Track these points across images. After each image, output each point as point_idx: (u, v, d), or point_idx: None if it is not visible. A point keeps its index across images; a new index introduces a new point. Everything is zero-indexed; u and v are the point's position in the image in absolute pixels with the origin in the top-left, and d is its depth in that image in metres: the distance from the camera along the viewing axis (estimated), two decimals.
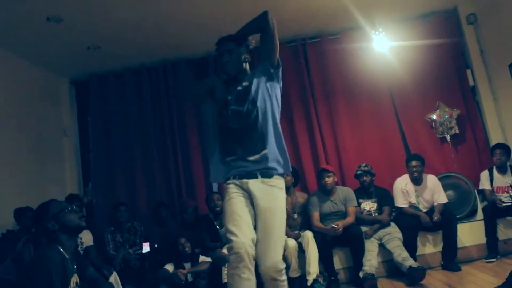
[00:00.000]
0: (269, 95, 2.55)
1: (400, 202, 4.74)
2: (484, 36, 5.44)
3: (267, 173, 2.47)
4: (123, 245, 4.72)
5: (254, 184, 2.46)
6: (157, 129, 5.71)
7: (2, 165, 4.47)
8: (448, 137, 5.33)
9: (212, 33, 5.07)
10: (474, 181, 4.98)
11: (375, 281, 4.11)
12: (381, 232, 4.56)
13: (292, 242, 4.36)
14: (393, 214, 4.80)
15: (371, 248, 4.40)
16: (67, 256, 2.23)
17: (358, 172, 4.86)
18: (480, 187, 4.89)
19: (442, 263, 4.50)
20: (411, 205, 4.74)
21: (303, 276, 4.33)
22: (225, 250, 4.21)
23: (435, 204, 4.67)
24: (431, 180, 4.78)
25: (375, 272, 4.20)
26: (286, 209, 4.61)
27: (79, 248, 4.34)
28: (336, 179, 4.81)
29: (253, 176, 2.46)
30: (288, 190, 4.67)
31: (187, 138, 5.63)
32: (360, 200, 4.80)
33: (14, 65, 4.93)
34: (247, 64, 2.69)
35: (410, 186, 4.77)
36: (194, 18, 4.75)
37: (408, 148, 5.46)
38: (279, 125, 2.56)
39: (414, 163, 4.74)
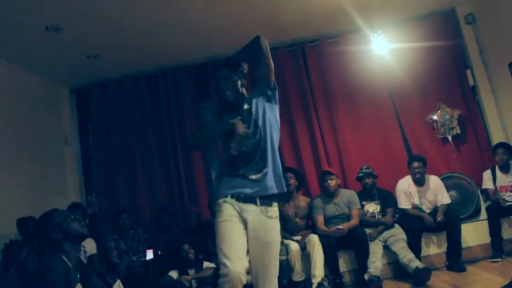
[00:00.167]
0: (268, 117, 2.57)
1: (403, 203, 4.73)
2: (483, 35, 5.44)
3: (267, 202, 2.45)
4: (126, 252, 4.71)
5: (253, 215, 2.41)
6: (157, 136, 5.71)
7: (4, 175, 4.47)
8: (449, 138, 5.33)
9: (210, 40, 5.18)
10: (477, 181, 4.97)
11: (380, 283, 4.10)
12: (386, 234, 4.55)
13: (295, 246, 4.35)
14: (397, 215, 4.79)
15: (376, 250, 4.39)
16: (70, 265, 2.22)
17: (360, 175, 4.85)
18: (483, 187, 4.88)
19: (447, 263, 4.49)
20: (414, 206, 4.73)
21: (307, 280, 4.32)
22: None
23: (438, 204, 4.66)
24: (434, 181, 4.77)
25: (380, 274, 4.18)
26: (288, 214, 4.63)
27: (82, 257, 4.33)
28: (339, 182, 4.81)
29: (252, 201, 2.42)
30: (291, 194, 4.67)
31: None
32: (363, 203, 4.79)
33: (14, 75, 4.93)
34: (244, 88, 2.69)
35: (413, 188, 4.76)
36: (193, 25, 4.76)
37: (410, 149, 5.45)
38: (276, 146, 2.58)
39: (416, 164, 4.73)
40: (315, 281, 4.17)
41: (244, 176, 2.44)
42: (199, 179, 5.54)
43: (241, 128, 2.40)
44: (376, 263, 4.27)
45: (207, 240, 4.74)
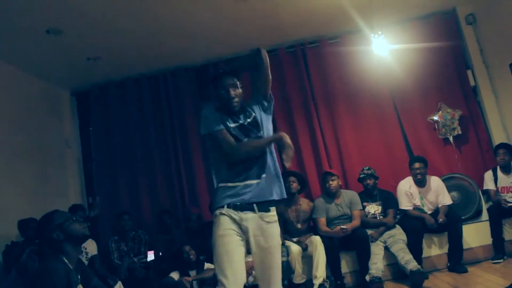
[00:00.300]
0: (266, 125, 2.58)
1: (405, 204, 4.72)
2: (483, 36, 5.44)
3: (264, 208, 2.42)
4: (127, 254, 4.71)
5: (252, 222, 2.38)
6: (158, 137, 5.71)
7: (6, 177, 4.48)
8: (451, 138, 5.32)
9: (211, 42, 5.19)
10: (478, 182, 4.96)
11: (381, 284, 4.10)
12: (386, 235, 4.55)
13: (295, 248, 4.35)
14: (398, 216, 4.78)
15: (377, 251, 4.39)
16: (71, 267, 2.23)
17: (362, 176, 4.85)
18: (485, 188, 4.87)
19: (448, 264, 4.48)
20: (416, 207, 4.72)
21: (308, 281, 4.32)
22: None
23: (440, 205, 4.65)
24: (435, 182, 4.76)
25: (381, 275, 4.18)
26: (289, 217, 4.63)
27: (83, 258, 4.34)
28: (340, 183, 4.81)
29: (250, 208, 2.38)
30: (293, 196, 4.67)
31: (189, 145, 5.62)
32: (365, 203, 4.79)
33: (14, 77, 4.94)
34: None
35: (414, 188, 4.75)
36: (193, 27, 4.77)
37: (411, 150, 5.44)
38: (274, 153, 2.58)
39: (417, 165, 4.72)
40: (317, 282, 4.17)
41: (243, 183, 2.41)
42: (200, 180, 5.55)
43: (289, 139, 2.40)
44: (378, 264, 4.27)
45: (208, 242, 4.72)
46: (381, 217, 4.74)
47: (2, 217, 4.29)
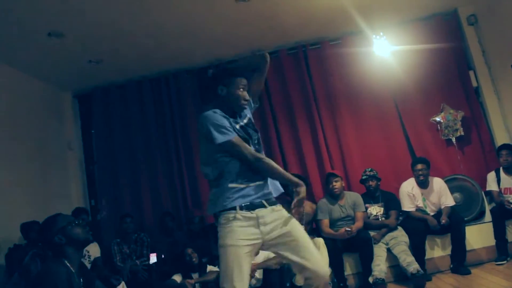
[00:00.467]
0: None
1: (407, 206, 4.72)
2: (485, 36, 5.43)
3: (272, 201, 2.43)
4: (130, 256, 4.71)
5: (267, 216, 2.36)
6: (160, 140, 5.71)
7: (8, 179, 4.48)
8: (453, 139, 5.30)
9: (212, 44, 5.19)
10: (481, 183, 4.94)
11: (385, 286, 4.09)
12: (388, 236, 4.55)
13: None
14: (400, 218, 4.77)
15: (380, 253, 4.38)
16: (73, 270, 2.22)
17: (364, 177, 4.84)
18: (487, 189, 4.85)
19: (452, 266, 4.47)
20: (418, 209, 4.71)
21: None
22: None
23: (442, 207, 4.64)
24: (438, 183, 4.75)
25: (384, 277, 4.17)
26: None
27: (86, 262, 4.34)
28: (343, 184, 4.80)
29: (260, 205, 2.37)
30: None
31: (191, 147, 5.62)
32: (367, 205, 4.78)
33: (17, 80, 4.95)
34: None
35: (417, 190, 4.74)
36: (194, 29, 4.77)
37: (413, 151, 5.43)
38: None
39: (419, 166, 4.71)
40: None
41: (254, 184, 2.39)
42: (203, 182, 5.53)
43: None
44: (381, 266, 4.26)
45: (210, 244, 4.73)
46: (383, 218, 4.73)
47: (4, 220, 4.29)
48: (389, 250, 4.48)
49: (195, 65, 5.73)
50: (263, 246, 2.39)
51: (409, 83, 5.44)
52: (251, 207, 2.33)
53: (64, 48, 4.61)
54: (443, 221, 4.43)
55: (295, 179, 2.44)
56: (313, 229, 4.78)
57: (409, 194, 4.73)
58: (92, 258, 4.46)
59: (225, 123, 2.35)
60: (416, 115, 5.48)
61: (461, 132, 5.28)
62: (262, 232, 2.33)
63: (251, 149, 2.36)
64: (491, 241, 4.55)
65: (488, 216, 4.75)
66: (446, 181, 4.85)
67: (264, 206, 2.37)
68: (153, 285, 4.38)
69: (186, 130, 5.68)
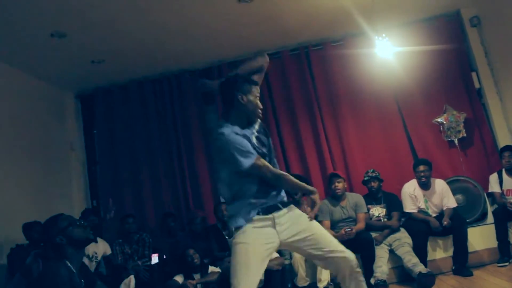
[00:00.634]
0: None
1: (409, 207, 4.71)
2: (488, 38, 5.42)
3: (286, 203, 2.47)
4: (131, 257, 4.71)
5: (283, 217, 2.39)
6: (162, 140, 5.72)
7: (10, 180, 4.49)
8: (456, 141, 5.29)
9: (214, 44, 5.19)
10: (483, 184, 4.93)
11: (386, 287, 4.08)
12: (391, 238, 4.54)
13: None
14: (402, 219, 4.76)
15: (382, 254, 4.37)
16: (74, 271, 2.23)
17: (366, 178, 4.84)
18: (490, 190, 4.84)
19: (454, 268, 4.46)
20: (420, 210, 4.70)
21: (312, 284, 4.31)
22: None
23: (444, 208, 4.64)
24: (440, 185, 4.74)
25: (386, 278, 4.16)
26: None
27: (93, 261, 4.35)
28: (346, 185, 4.80)
29: (276, 208, 2.39)
30: (297, 201, 4.65)
31: (192, 148, 5.63)
32: (369, 206, 4.77)
33: (19, 81, 4.96)
34: None
35: (418, 191, 4.74)
36: (196, 30, 4.77)
37: (415, 152, 5.42)
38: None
39: (421, 168, 4.71)
40: (321, 285, 4.17)
41: (270, 194, 2.43)
42: (205, 183, 5.55)
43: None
44: (382, 267, 4.26)
45: (212, 245, 4.74)
46: (385, 219, 4.73)
47: (6, 220, 4.30)
48: (391, 252, 4.48)
49: (197, 65, 5.73)
50: (282, 246, 2.42)
51: (411, 84, 5.43)
52: (268, 210, 2.37)
53: (66, 48, 4.62)
54: (445, 222, 4.42)
55: (310, 188, 2.50)
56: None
57: (411, 195, 4.73)
58: (99, 258, 4.46)
59: (248, 145, 2.31)
60: (418, 116, 5.47)
61: (463, 134, 5.27)
62: (278, 231, 2.36)
63: (271, 167, 2.37)
64: (493, 243, 4.53)
65: (490, 218, 4.74)
66: (448, 183, 4.85)
67: (280, 208, 2.40)
68: (154, 286, 4.39)
69: (188, 131, 5.69)
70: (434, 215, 4.65)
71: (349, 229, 4.33)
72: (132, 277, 4.25)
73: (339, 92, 5.59)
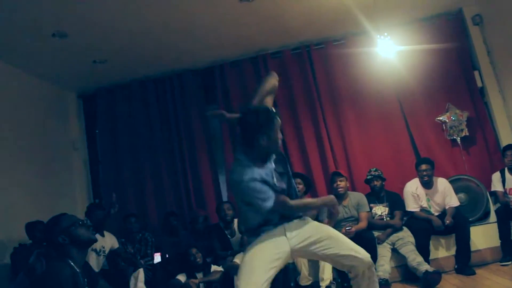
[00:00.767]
0: None
1: (411, 206, 4.70)
2: (490, 36, 5.40)
3: (298, 215, 2.50)
4: (134, 256, 4.72)
5: (294, 225, 2.44)
6: (165, 140, 5.73)
7: (13, 179, 4.50)
8: (458, 140, 5.28)
9: (216, 44, 5.20)
10: (486, 183, 4.92)
11: (389, 286, 4.08)
12: (394, 237, 4.53)
13: None
14: (405, 218, 4.76)
15: (384, 253, 4.37)
16: (77, 270, 2.23)
17: (369, 177, 4.83)
18: (492, 189, 4.83)
19: (456, 267, 4.45)
20: (423, 209, 4.70)
21: (314, 283, 4.31)
22: (236, 259, 4.20)
23: (447, 207, 4.63)
24: (442, 184, 4.74)
25: (388, 277, 4.16)
26: None
27: (101, 255, 4.36)
28: (348, 184, 4.79)
29: (287, 220, 2.45)
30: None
31: (195, 147, 5.64)
32: (371, 205, 4.77)
33: (21, 81, 4.97)
34: None
35: (421, 190, 4.73)
36: (198, 29, 4.78)
37: (418, 151, 5.42)
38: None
39: (424, 167, 4.70)
40: (323, 284, 4.16)
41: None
42: (207, 182, 5.56)
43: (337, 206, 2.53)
44: (385, 266, 4.25)
45: (214, 244, 4.74)
46: (388, 218, 4.72)
47: (10, 220, 4.32)
48: (394, 250, 4.48)
49: (199, 65, 5.74)
50: (294, 253, 2.45)
51: (413, 83, 5.43)
52: (277, 224, 2.43)
53: (68, 48, 4.62)
54: (448, 221, 4.41)
55: (331, 202, 2.51)
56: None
57: (413, 194, 4.72)
58: (106, 252, 4.47)
59: (268, 191, 2.32)
60: (420, 115, 5.47)
61: (466, 132, 5.26)
62: (288, 238, 2.40)
63: (290, 203, 2.40)
64: (496, 242, 4.53)
65: (493, 217, 4.73)
66: (450, 182, 4.84)
67: (291, 219, 2.46)
68: (157, 285, 4.39)
69: (190, 130, 5.69)
70: (436, 214, 4.64)
71: (349, 227, 4.32)
72: (141, 270, 4.25)
73: (341, 91, 5.59)
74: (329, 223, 2.45)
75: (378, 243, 4.42)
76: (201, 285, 4.17)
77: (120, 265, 4.58)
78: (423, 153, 5.32)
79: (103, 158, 5.82)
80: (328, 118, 5.55)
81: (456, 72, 5.48)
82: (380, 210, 4.77)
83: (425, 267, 4.07)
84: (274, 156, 2.47)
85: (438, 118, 5.35)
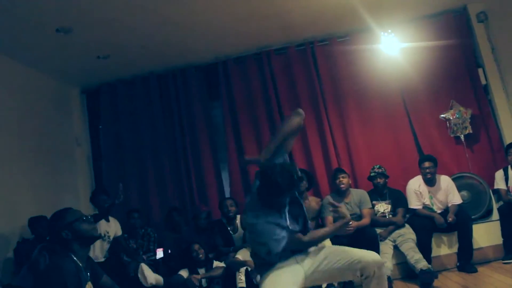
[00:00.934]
0: None
1: (414, 203, 4.70)
2: (495, 34, 5.37)
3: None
4: (137, 251, 4.73)
5: (303, 255, 2.59)
6: (168, 135, 5.73)
7: (16, 174, 4.52)
8: (462, 137, 5.27)
9: (220, 40, 5.20)
10: (489, 181, 4.91)
11: (391, 283, 4.08)
12: (395, 234, 4.54)
13: None
14: (407, 215, 4.76)
15: (386, 250, 4.37)
16: (81, 265, 2.24)
17: (372, 174, 4.83)
18: (495, 187, 4.82)
19: (458, 264, 4.46)
20: (425, 206, 4.69)
21: None
22: (238, 255, 4.21)
23: (449, 205, 4.63)
24: (445, 181, 4.73)
25: (390, 274, 4.16)
26: None
27: (105, 240, 4.39)
28: (350, 181, 4.79)
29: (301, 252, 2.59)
30: (301, 194, 4.66)
31: (198, 143, 5.65)
32: (374, 202, 4.77)
33: (25, 76, 4.98)
34: None
35: (424, 187, 4.73)
36: (202, 25, 4.77)
37: (421, 149, 5.41)
38: None
39: (427, 164, 4.69)
40: (324, 284, 4.16)
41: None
42: (209, 178, 5.56)
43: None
44: (387, 263, 4.25)
45: (217, 240, 4.75)
46: (390, 216, 4.72)
47: (13, 215, 4.34)
48: (396, 248, 4.48)
49: (203, 61, 5.74)
50: (308, 279, 2.56)
51: (417, 80, 5.41)
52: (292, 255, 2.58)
53: (72, 43, 4.62)
54: (450, 219, 4.41)
55: (343, 226, 2.63)
56: (319, 225, 4.78)
57: (416, 191, 4.72)
58: (111, 238, 4.47)
59: (280, 233, 2.43)
60: (424, 112, 5.45)
61: (469, 130, 5.25)
62: (303, 266, 2.54)
63: (302, 239, 2.52)
64: (498, 240, 4.53)
65: (495, 215, 4.73)
66: (453, 179, 4.83)
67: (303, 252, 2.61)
68: None
69: (193, 126, 5.70)
70: (439, 211, 4.64)
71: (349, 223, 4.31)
72: (142, 264, 4.24)
73: (345, 88, 5.58)
74: (331, 225, 2.57)
75: (380, 240, 4.43)
76: (203, 280, 4.18)
77: (123, 260, 4.60)
78: (426, 151, 5.31)
79: (106, 153, 5.82)
80: (331, 114, 5.54)
81: (460, 70, 5.46)
82: (383, 207, 4.77)
83: (421, 265, 4.08)
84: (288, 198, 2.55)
85: (442, 115, 5.33)
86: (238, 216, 4.85)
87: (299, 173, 2.59)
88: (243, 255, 4.20)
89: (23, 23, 4.09)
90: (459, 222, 4.41)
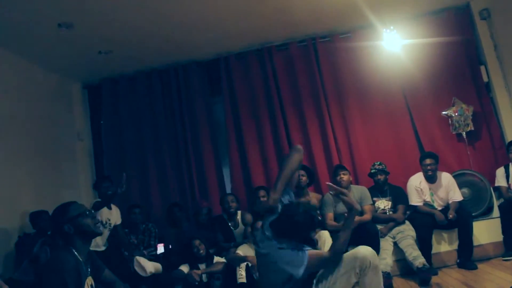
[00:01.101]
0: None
1: (415, 200, 4.70)
2: (497, 31, 5.35)
3: None
4: (137, 246, 4.75)
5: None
6: (169, 131, 5.74)
7: (18, 169, 4.53)
8: (464, 134, 5.26)
9: (222, 36, 5.19)
10: (490, 178, 4.91)
11: (390, 280, 4.08)
12: (395, 230, 4.54)
13: None
14: (408, 212, 4.76)
15: (386, 246, 4.38)
16: (81, 259, 2.25)
17: (373, 171, 4.83)
18: (496, 184, 4.82)
19: (458, 261, 4.46)
20: (426, 203, 4.69)
21: None
22: (239, 251, 4.22)
23: (450, 202, 4.63)
24: (446, 178, 4.73)
25: (390, 270, 4.17)
26: None
27: (107, 228, 4.39)
28: (350, 178, 4.79)
29: None
30: (302, 190, 4.67)
31: (199, 139, 5.65)
32: (375, 199, 4.77)
33: (27, 71, 4.98)
34: None
35: (424, 184, 4.73)
36: (204, 21, 4.77)
37: (422, 146, 5.41)
38: None
39: (428, 161, 4.69)
40: None
41: None
42: (211, 174, 5.57)
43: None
44: (387, 259, 4.26)
45: (218, 235, 4.77)
46: (391, 212, 4.73)
47: (14, 209, 4.36)
48: (396, 244, 4.48)
49: (204, 56, 5.74)
50: None
51: (419, 77, 5.40)
52: None
53: (74, 39, 4.62)
54: (451, 216, 4.41)
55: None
56: (319, 222, 4.78)
57: (417, 188, 4.72)
58: (112, 225, 4.49)
59: (297, 256, 2.45)
60: (425, 109, 5.45)
61: (471, 127, 5.24)
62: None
63: (326, 255, 2.54)
64: (499, 237, 4.54)
65: (496, 212, 4.73)
66: (454, 176, 4.83)
67: None
68: (160, 275, 4.41)
69: (195, 121, 5.70)
70: (439, 208, 4.64)
71: None
72: (136, 257, 4.24)
73: (346, 84, 5.57)
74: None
75: (381, 237, 4.43)
76: (204, 276, 4.19)
77: (123, 255, 4.61)
78: (427, 147, 5.31)
79: (107, 149, 5.82)
80: (332, 111, 5.54)
81: (462, 67, 5.45)
82: (383, 204, 4.77)
83: (418, 262, 4.08)
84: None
85: (444, 112, 5.32)
86: (239, 212, 4.86)
87: (319, 217, 2.67)
88: (243, 250, 4.21)
89: (25, 18, 4.09)
90: (460, 219, 4.41)
